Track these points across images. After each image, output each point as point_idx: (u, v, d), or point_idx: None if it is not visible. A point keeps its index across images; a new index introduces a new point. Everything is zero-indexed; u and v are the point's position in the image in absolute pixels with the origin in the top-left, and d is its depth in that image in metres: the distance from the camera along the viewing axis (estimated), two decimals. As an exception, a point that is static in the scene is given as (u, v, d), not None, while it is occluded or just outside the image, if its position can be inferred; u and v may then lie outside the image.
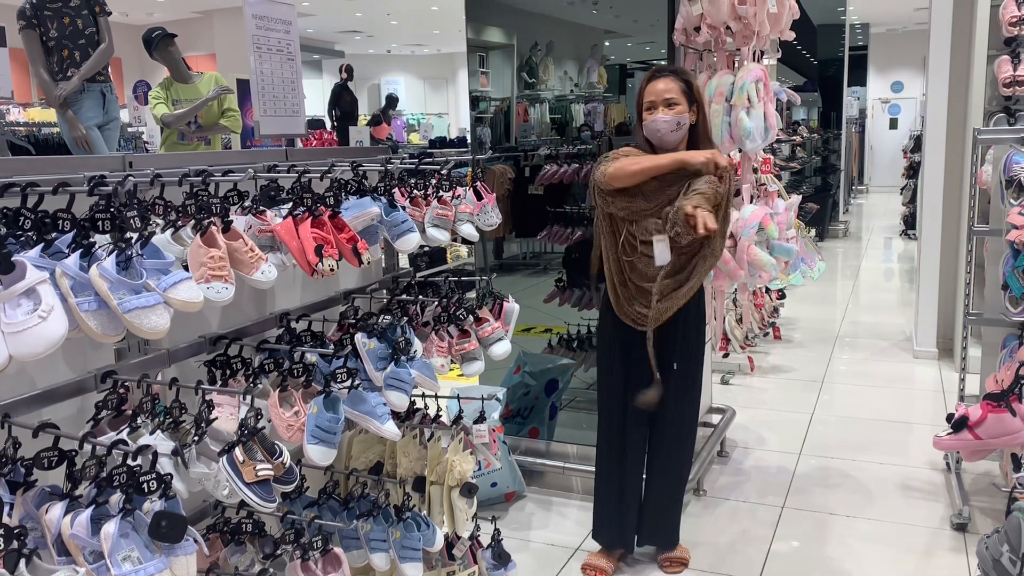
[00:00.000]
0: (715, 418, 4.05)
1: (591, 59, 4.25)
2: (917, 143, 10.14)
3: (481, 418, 2.41)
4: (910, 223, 10.62)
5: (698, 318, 2.88)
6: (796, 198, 3.62)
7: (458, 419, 2.37)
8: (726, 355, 5.19)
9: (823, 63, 12.91)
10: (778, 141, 8.64)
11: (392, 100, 12.85)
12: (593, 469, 3.02)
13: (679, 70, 2.76)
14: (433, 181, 2.36)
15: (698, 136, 2.72)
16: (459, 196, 2.39)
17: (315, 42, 16.05)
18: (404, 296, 2.42)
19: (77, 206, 1.47)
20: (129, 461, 1.42)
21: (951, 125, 5.29)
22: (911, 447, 4.09)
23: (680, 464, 2.97)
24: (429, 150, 8.21)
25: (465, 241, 2.68)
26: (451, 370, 2.36)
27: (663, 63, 3.32)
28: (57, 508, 1.40)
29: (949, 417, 2.43)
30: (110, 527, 1.34)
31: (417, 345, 2.11)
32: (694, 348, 2.88)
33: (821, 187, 11.54)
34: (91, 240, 1.45)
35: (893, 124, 19.40)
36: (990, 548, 1.88)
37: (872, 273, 9.13)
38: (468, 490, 2.24)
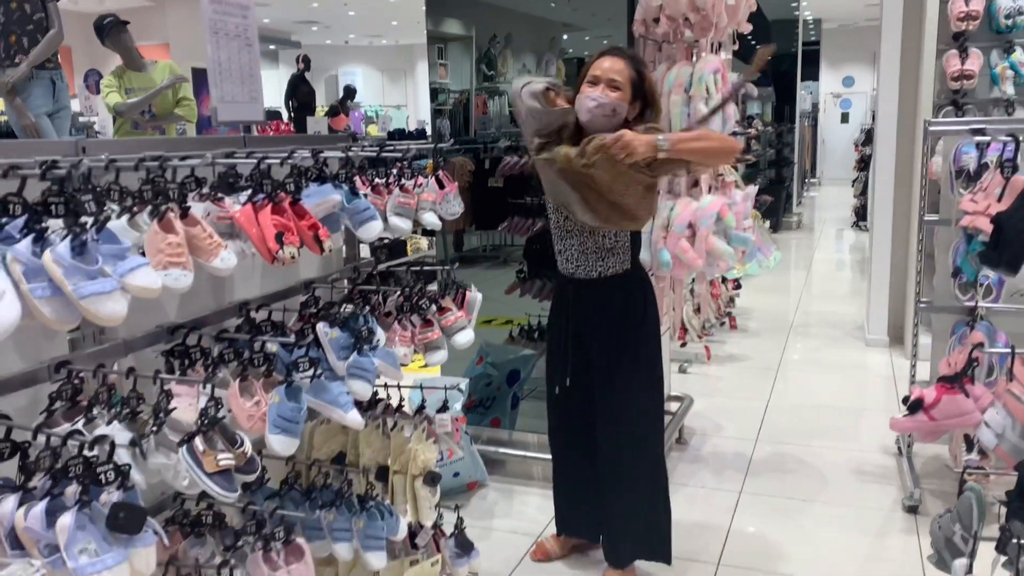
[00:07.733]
0: (673, 406, 4.10)
1: (549, 52, 4.25)
2: (868, 136, 10.34)
3: (444, 407, 2.41)
4: (861, 215, 10.84)
5: (634, 296, 2.64)
6: (753, 188, 3.66)
7: (421, 408, 2.36)
8: (684, 344, 5.25)
9: (777, 58, 13.10)
10: (734, 134, 8.74)
11: (350, 91, 12.72)
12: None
13: (636, 57, 2.49)
14: (395, 170, 2.34)
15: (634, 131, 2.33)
16: (421, 185, 2.38)
17: (271, 32, 15.80)
18: (366, 286, 2.40)
19: (29, 191, 1.43)
20: (85, 452, 1.39)
21: (901, 118, 5.41)
22: (864, 432, 4.18)
23: (632, 466, 2.67)
24: (389, 142, 8.15)
25: (425, 233, 2.66)
26: (414, 360, 2.34)
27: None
28: (10, 501, 1.36)
29: (905, 399, 2.48)
30: (66, 519, 1.31)
31: (380, 334, 2.10)
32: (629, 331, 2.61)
33: (775, 180, 11.73)
34: (44, 225, 1.41)
35: (844, 118, 19.75)
36: (943, 527, 1.94)
37: (825, 264, 9.31)
38: (431, 479, 2.24)
